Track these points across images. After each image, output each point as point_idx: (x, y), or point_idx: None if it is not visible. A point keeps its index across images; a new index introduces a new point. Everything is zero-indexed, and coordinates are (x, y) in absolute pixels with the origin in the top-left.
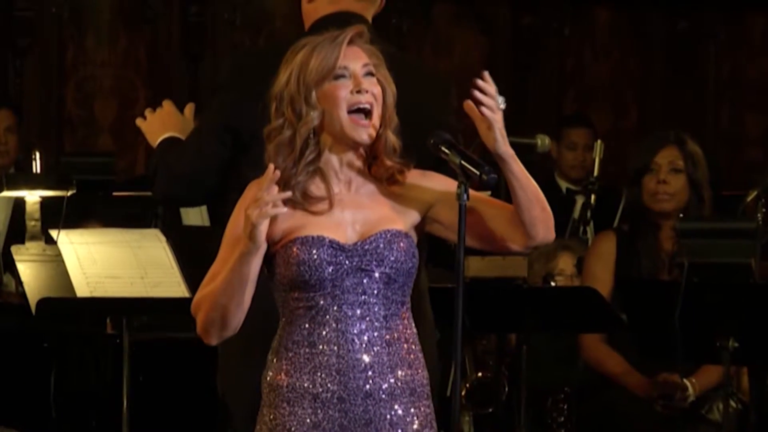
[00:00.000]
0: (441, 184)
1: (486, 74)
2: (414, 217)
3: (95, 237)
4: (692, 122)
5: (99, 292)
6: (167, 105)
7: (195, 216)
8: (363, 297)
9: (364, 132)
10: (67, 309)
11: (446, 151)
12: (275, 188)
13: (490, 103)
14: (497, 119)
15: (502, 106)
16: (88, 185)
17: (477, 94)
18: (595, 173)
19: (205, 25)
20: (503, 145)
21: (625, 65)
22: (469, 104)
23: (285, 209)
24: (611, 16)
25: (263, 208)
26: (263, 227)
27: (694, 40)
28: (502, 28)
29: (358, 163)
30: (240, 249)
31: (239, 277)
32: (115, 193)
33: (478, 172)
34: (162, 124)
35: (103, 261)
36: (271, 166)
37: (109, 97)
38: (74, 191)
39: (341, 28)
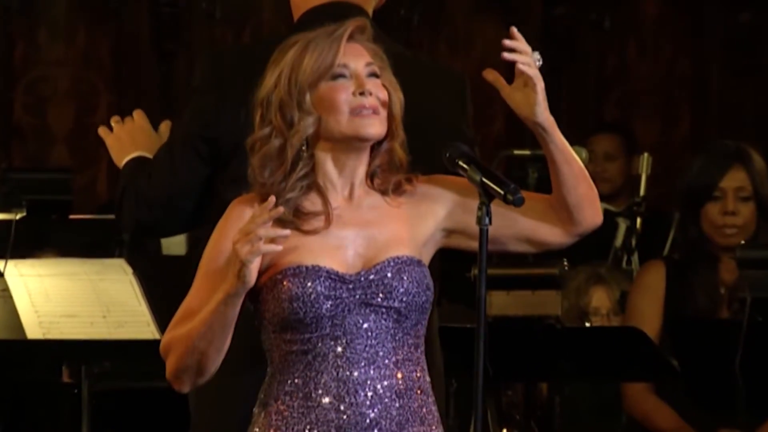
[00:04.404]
0: (454, 186)
1: (514, 29)
2: (427, 230)
3: (49, 268)
4: (754, 132)
5: (54, 334)
6: (138, 117)
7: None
8: (368, 338)
9: (369, 125)
10: (17, 353)
11: (465, 166)
12: (270, 223)
13: (528, 60)
14: (539, 77)
15: (539, 63)
16: (41, 206)
17: (508, 55)
18: (641, 192)
19: (179, 18)
20: (545, 110)
21: (676, 65)
22: (491, 72)
23: (281, 248)
24: (660, 6)
25: (255, 243)
26: (254, 265)
27: (757, 35)
28: (530, 20)
29: (360, 172)
30: (225, 289)
31: (222, 320)
32: (72, 216)
33: (502, 192)
34: (132, 139)
35: (58, 297)
36: (272, 198)
37: (65, 102)
38: (24, 214)
39: (336, 21)
